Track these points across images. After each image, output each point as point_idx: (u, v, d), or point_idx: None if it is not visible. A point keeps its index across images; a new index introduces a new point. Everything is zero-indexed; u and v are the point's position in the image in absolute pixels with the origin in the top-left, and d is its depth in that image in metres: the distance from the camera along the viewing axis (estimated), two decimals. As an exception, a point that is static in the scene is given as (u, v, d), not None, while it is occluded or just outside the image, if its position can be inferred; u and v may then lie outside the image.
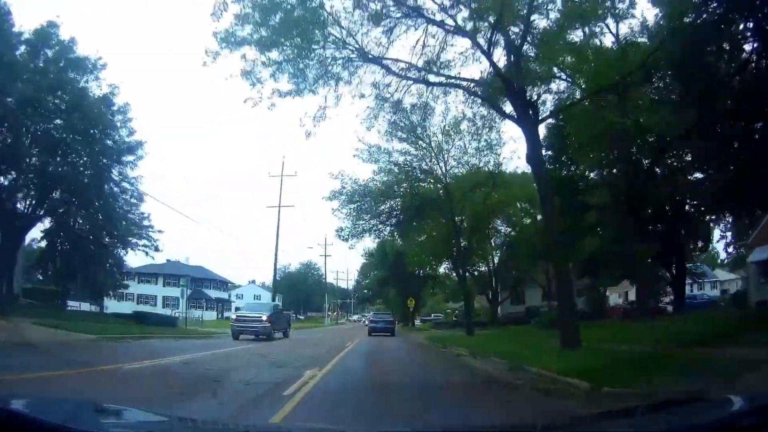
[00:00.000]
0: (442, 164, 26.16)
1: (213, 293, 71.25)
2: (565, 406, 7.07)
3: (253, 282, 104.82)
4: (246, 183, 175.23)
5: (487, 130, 20.81)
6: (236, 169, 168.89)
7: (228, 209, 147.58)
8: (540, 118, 14.38)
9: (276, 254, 47.50)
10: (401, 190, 26.68)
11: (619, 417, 3.08)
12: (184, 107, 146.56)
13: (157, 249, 35.41)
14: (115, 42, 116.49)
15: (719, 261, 69.58)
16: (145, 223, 35.65)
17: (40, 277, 45.51)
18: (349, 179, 26.26)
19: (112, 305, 67.89)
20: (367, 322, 48.86)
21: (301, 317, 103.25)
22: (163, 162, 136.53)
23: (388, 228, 28.35)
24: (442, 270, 47.43)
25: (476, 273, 47.97)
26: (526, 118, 13.76)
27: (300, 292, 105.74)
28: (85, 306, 64.80)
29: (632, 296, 56.05)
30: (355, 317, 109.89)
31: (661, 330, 17.45)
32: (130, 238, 34.75)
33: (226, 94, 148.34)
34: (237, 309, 54.40)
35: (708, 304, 41.76)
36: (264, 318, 24.37)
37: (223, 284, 76.38)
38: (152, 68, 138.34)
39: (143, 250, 35.02)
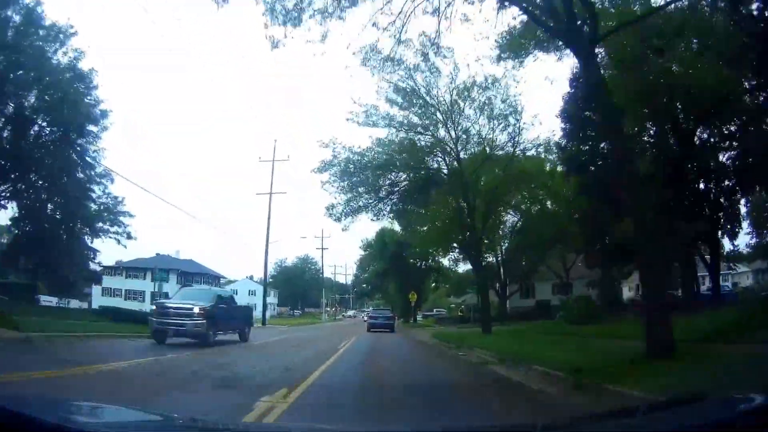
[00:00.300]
0: (452, 131, 21.93)
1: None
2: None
3: (251, 277, 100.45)
4: (241, 176, 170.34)
5: (517, 64, 16.27)
6: (231, 163, 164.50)
7: (224, 205, 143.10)
8: (598, 34, 10.23)
9: (267, 244, 43.60)
10: (403, 159, 22.24)
11: (619, 417, 2.98)
12: (174, 101, 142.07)
13: (129, 236, 31.39)
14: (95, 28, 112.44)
15: (724, 253, 65.97)
16: (120, 208, 31.68)
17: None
18: (343, 147, 21.89)
19: (98, 301, 64.15)
20: (366, 318, 46.73)
21: (298, 312, 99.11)
22: (157, 157, 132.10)
23: (388, 206, 23.90)
24: (446, 261, 43.54)
25: (483, 264, 44.09)
26: (579, 34, 9.80)
27: (297, 287, 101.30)
28: (74, 303, 61.65)
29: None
30: (350, 312, 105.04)
31: (729, 323, 13.52)
32: (101, 224, 30.74)
33: (220, 85, 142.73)
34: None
35: (730, 296, 38.10)
36: (195, 310, 15.57)
37: (215, 279, 71.99)
38: (139, 65, 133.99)
39: (114, 238, 31.03)
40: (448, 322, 44.07)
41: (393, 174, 22.48)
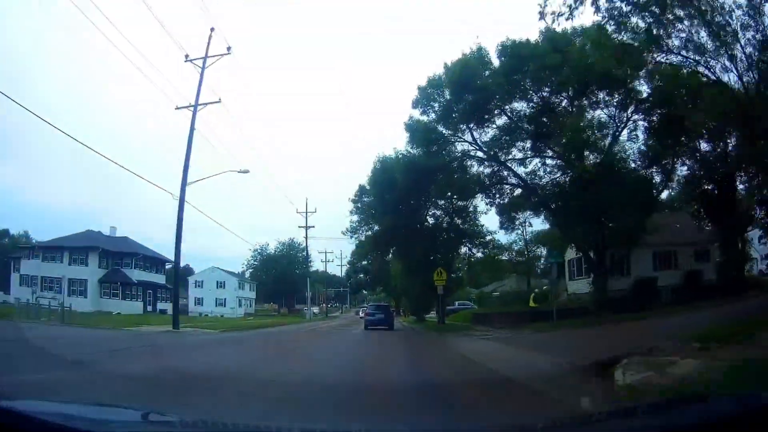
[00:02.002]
0: None
1: (138, 274, 47.36)
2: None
3: (239, 271, 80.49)
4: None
5: None
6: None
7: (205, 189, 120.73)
8: None
9: (184, 181, 24.91)
10: None
11: (619, 417, 2.80)
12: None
13: None
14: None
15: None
16: None
17: None
18: None
19: (17, 291, 45.87)
20: (362, 314, 40.37)
21: (284, 310, 79.36)
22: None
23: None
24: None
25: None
26: None
27: (285, 281, 78.96)
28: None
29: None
30: (315, 309, 75.20)
31: None
32: None
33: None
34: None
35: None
36: None
37: (159, 263, 52.05)
38: None
39: None
40: (495, 321, 25.13)
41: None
